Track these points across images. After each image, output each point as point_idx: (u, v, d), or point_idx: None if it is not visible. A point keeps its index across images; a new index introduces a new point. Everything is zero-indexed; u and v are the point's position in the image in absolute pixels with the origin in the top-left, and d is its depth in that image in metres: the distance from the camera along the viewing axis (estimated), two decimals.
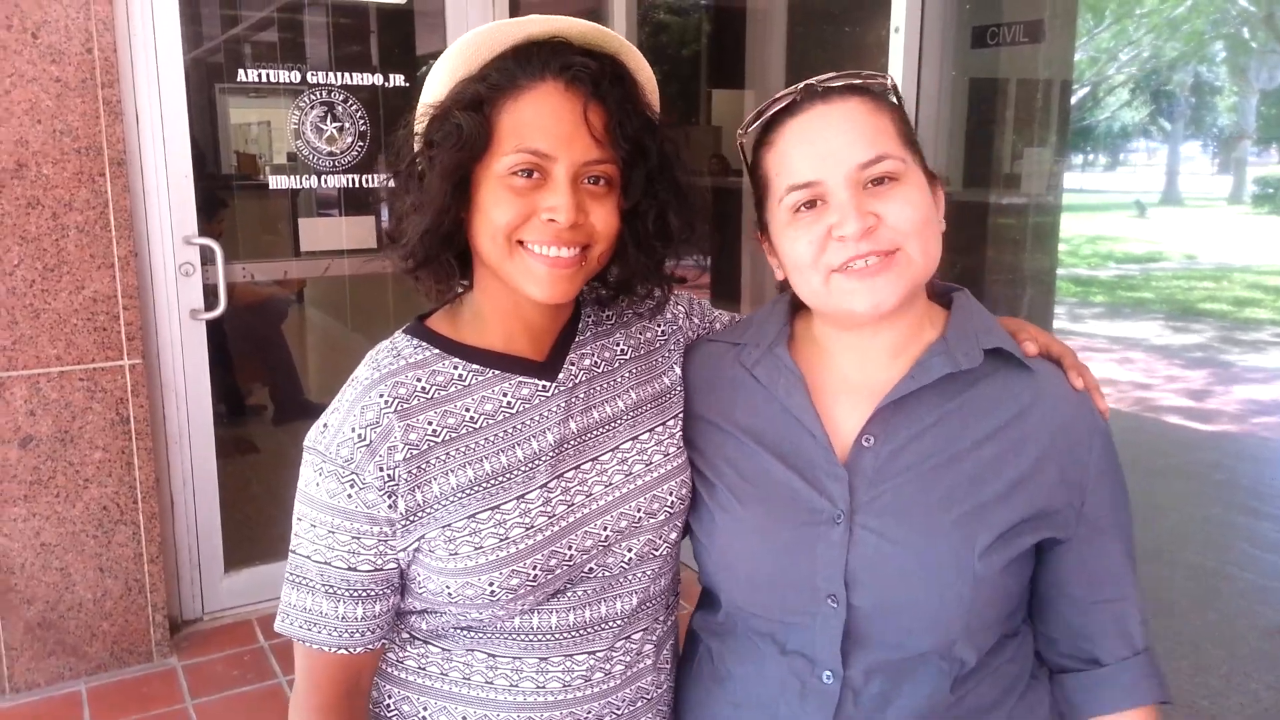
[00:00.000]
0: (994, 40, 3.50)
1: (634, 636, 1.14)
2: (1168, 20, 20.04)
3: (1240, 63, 21.73)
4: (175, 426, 3.20)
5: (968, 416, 1.05)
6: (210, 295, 3.20)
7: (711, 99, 5.31)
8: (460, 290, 1.14)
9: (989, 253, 3.90)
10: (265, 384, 4.38)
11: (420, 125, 1.06)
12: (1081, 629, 1.09)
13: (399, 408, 1.05)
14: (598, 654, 1.11)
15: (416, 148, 1.06)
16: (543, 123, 1.00)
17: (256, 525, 3.70)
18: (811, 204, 1.02)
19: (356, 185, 3.50)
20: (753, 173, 1.11)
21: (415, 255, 1.06)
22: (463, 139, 1.00)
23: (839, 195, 1.00)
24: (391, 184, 1.10)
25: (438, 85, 1.05)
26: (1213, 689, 3.09)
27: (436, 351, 1.09)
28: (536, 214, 1.01)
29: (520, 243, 1.03)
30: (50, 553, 2.91)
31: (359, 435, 1.03)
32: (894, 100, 1.06)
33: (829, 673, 1.04)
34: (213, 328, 3.26)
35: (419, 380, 1.07)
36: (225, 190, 3.57)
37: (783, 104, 1.05)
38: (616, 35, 1.06)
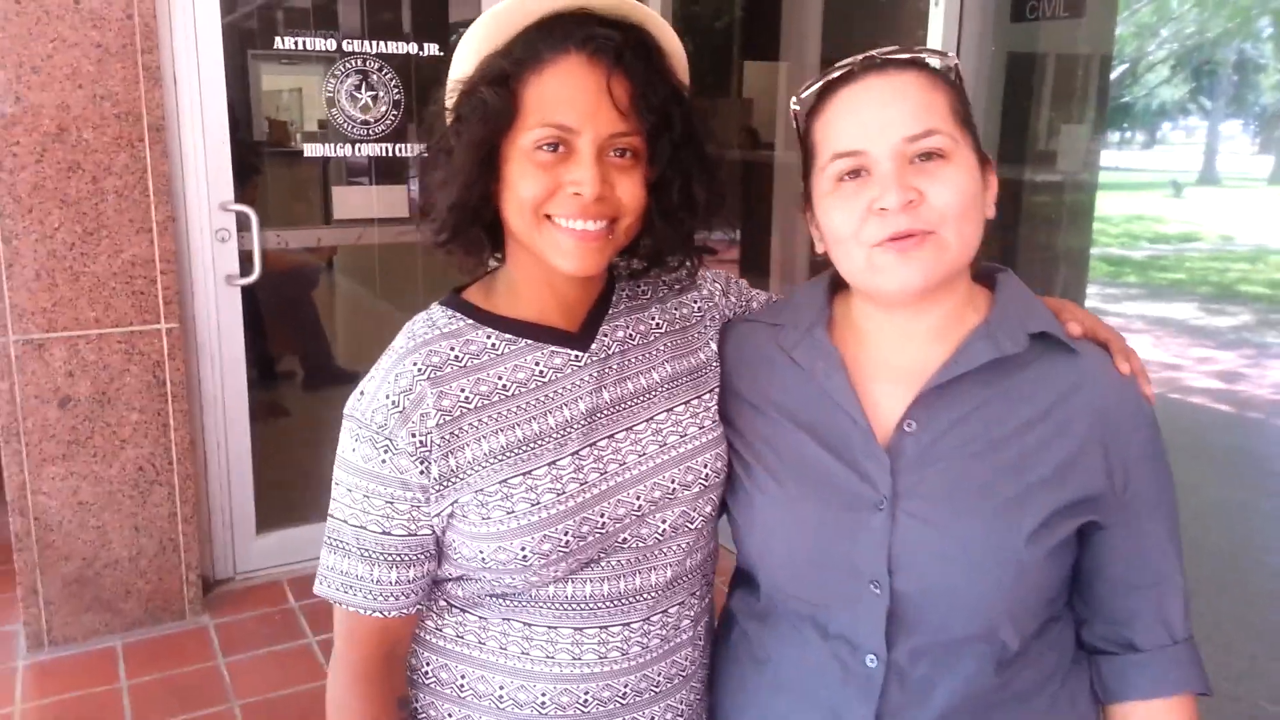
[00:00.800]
0: (1034, 14, 3.45)
1: (670, 610, 1.15)
2: None
3: None
4: (210, 390, 3.25)
5: (1011, 401, 1.03)
6: (245, 261, 3.24)
7: (743, 71, 5.26)
8: (495, 264, 1.16)
9: (1023, 230, 3.86)
10: (296, 350, 4.42)
11: (450, 101, 1.07)
12: (1119, 613, 1.08)
13: (432, 375, 1.06)
14: (633, 625, 1.12)
15: (447, 123, 1.08)
16: (566, 95, 1.01)
17: (288, 488, 3.75)
18: (855, 174, 1.01)
19: (389, 154, 3.52)
20: (803, 142, 1.10)
21: (445, 228, 1.08)
22: (488, 113, 1.01)
23: (883, 167, 0.99)
24: (425, 157, 1.11)
25: (465, 60, 1.06)
26: (1237, 672, 3.07)
27: (470, 321, 1.11)
28: (562, 188, 1.02)
29: (548, 216, 1.04)
30: (88, 511, 2.97)
31: (393, 402, 1.05)
32: (954, 79, 1.04)
33: (872, 656, 1.04)
34: (246, 293, 3.30)
35: (452, 349, 1.09)
36: (259, 157, 3.60)
37: (839, 73, 1.04)
38: (641, 5, 1.06)
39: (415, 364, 1.07)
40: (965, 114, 1.03)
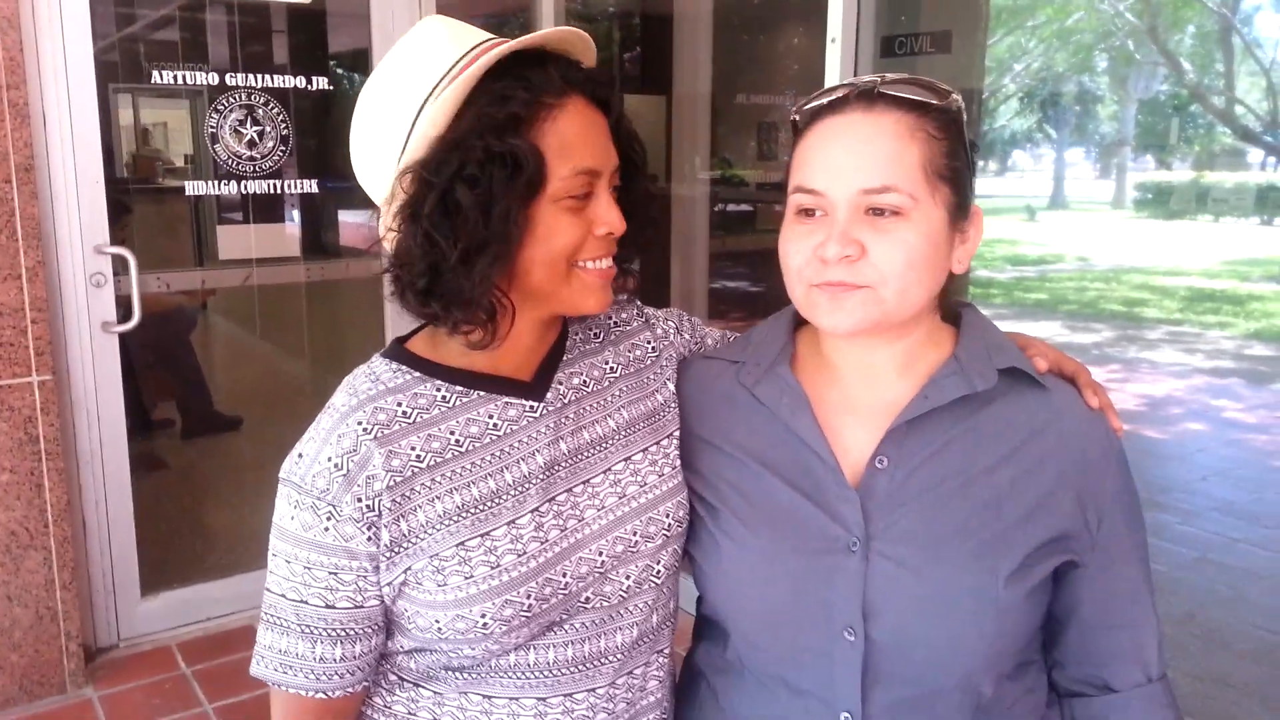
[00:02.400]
0: (902, 50, 3.57)
1: (635, 672, 1.11)
2: (1057, 31, 20.86)
3: (1121, 73, 22.77)
4: (86, 445, 3.04)
5: (982, 437, 1.02)
6: (123, 307, 3.05)
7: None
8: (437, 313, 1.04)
9: None
10: (173, 397, 4.21)
11: (411, 157, 0.97)
12: (1094, 654, 1.07)
13: (379, 434, 0.99)
14: (599, 691, 1.07)
15: (421, 183, 0.96)
16: (585, 139, 0.99)
17: (172, 546, 3.55)
18: (811, 212, 1.00)
19: (276, 191, 3.38)
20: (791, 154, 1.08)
21: (482, 304, 0.99)
22: (526, 170, 0.95)
23: (836, 213, 0.97)
24: (393, 230, 1.00)
25: (440, 115, 0.96)
26: None
27: (417, 375, 1.05)
28: (591, 231, 1.01)
29: (573, 262, 1.02)
30: None
31: (335, 464, 0.98)
32: (952, 120, 1.00)
33: (847, 714, 1.00)
34: (122, 339, 3.11)
35: (399, 404, 1.02)
36: (136, 196, 3.41)
37: (832, 97, 1.01)
38: (580, 34, 1.03)
39: (360, 422, 1.00)
40: (944, 166, 0.99)
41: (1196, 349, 9.51)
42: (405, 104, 0.98)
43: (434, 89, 0.96)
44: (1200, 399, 7.61)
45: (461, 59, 0.97)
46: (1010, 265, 15.89)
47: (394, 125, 0.98)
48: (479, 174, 0.94)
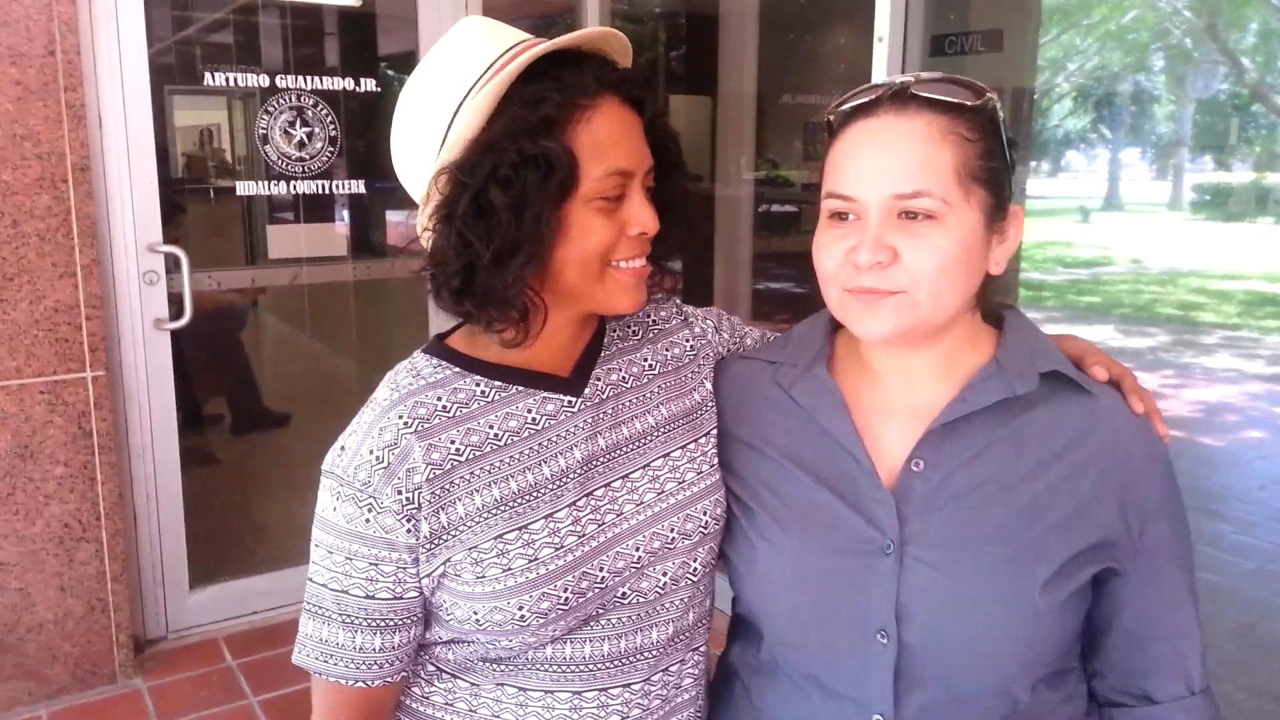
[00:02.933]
0: (952, 49, 3.52)
1: (670, 669, 1.11)
2: (1112, 30, 20.49)
3: (1179, 72, 22.30)
4: (138, 440, 3.10)
5: (1022, 442, 1.01)
6: (175, 304, 3.11)
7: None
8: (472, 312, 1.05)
9: None
10: (223, 393, 4.28)
11: (445, 158, 0.97)
12: (1135, 664, 1.05)
13: (419, 428, 1.01)
14: (634, 687, 1.07)
15: (455, 184, 0.97)
16: (618, 140, 0.99)
17: (221, 540, 3.61)
18: (844, 216, 0.99)
19: (325, 191, 3.43)
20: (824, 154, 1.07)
21: (515, 303, 1.00)
22: (560, 172, 0.96)
23: (868, 218, 0.97)
24: (431, 232, 1.00)
25: (474, 117, 0.96)
26: None
27: (457, 370, 1.06)
28: (625, 231, 1.01)
29: (606, 262, 1.02)
30: (9, 572, 2.80)
31: (376, 457, 1.00)
32: (987, 119, 0.98)
33: (879, 717, 0.99)
34: (174, 336, 3.17)
35: (439, 399, 1.03)
36: (189, 196, 3.48)
37: (865, 99, 1.00)
38: (616, 34, 1.04)
39: (400, 416, 1.01)
40: (979, 167, 0.97)
41: (1255, 355, 9.29)
42: (442, 105, 0.99)
43: (469, 90, 0.97)
44: (1259, 406, 7.42)
45: (497, 60, 0.97)
46: (1062, 267, 15.64)
47: (431, 126, 0.99)
48: (512, 176, 0.95)
